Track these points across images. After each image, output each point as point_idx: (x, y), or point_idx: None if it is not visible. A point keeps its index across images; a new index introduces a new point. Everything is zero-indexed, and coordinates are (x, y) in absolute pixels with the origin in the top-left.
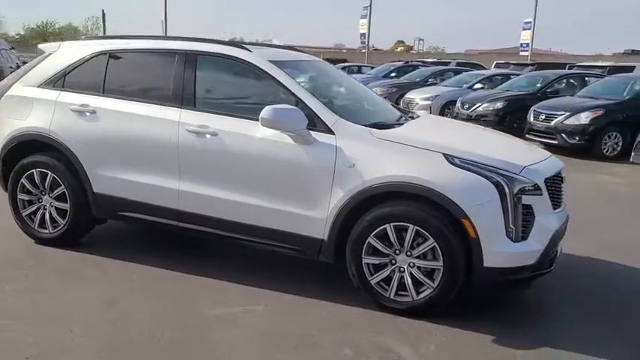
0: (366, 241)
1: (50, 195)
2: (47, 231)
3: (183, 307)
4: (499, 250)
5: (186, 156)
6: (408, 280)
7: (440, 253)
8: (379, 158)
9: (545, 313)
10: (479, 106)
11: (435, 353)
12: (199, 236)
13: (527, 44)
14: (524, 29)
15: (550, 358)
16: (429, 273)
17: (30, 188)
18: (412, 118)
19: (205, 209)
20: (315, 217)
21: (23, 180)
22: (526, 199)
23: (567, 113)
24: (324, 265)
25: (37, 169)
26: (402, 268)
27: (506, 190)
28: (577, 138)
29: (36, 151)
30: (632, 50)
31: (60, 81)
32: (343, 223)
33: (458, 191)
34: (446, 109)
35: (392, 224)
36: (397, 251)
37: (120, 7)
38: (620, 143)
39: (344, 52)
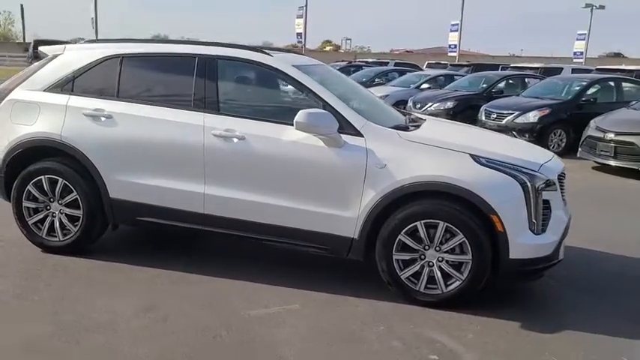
0: (397, 238)
1: (60, 202)
2: (57, 239)
3: (220, 309)
4: (523, 243)
5: (213, 160)
6: (438, 274)
7: (469, 247)
8: (409, 159)
9: (556, 299)
10: (430, 106)
11: (474, 340)
12: (224, 238)
13: (455, 45)
14: (451, 31)
15: None
16: (457, 266)
17: (37, 195)
18: (420, 120)
19: (233, 212)
20: (346, 217)
21: (30, 187)
22: (545, 195)
23: (517, 112)
24: (343, 263)
25: (46, 176)
26: (430, 263)
27: (529, 186)
28: (527, 135)
29: (43, 157)
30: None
31: (68, 85)
32: (374, 221)
33: (486, 189)
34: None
35: (422, 221)
36: (426, 247)
37: (39, 2)
38: (565, 140)
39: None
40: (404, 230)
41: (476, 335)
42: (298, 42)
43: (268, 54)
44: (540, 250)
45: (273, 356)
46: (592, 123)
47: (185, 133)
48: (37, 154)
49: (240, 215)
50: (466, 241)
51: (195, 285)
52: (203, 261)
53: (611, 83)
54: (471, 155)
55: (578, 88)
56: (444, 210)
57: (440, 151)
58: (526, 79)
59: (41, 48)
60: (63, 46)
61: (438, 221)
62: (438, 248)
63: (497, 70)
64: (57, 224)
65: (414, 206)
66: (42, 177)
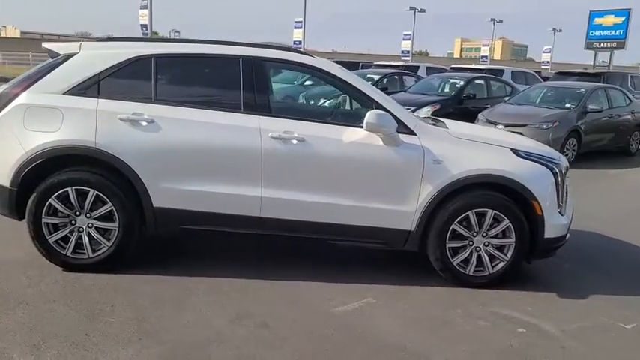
0: (450, 228)
1: (89, 215)
2: (85, 255)
3: (306, 310)
4: (554, 224)
5: (271, 162)
6: (485, 257)
7: (512, 231)
8: (460, 155)
9: (558, 270)
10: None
11: (536, 312)
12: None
13: (300, 42)
14: (295, 28)
15: None
16: (501, 248)
17: (62, 209)
18: (436, 119)
19: (291, 214)
20: (404, 211)
21: (52, 201)
22: (566, 181)
23: (413, 107)
24: (379, 255)
25: (74, 187)
26: (478, 248)
27: (558, 173)
28: None
29: (64, 167)
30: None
31: (93, 87)
32: (431, 214)
33: (528, 178)
34: None
35: (474, 211)
36: (475, 233)
37: None
38: None
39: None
40: (457, 220)
41: (533, 307)
42: (143, 34)
43: (312, 56)
44: (563, 229)
45: (393, 347)
46: (480, 116)
47: (240, 136)
48: (59, 165)
49: (299, 217)
50: (511, 226)
51: (265, 289)
52: (249, 265)
53: (482, 81)
54: (511, 149)
55: (459, 85)
56: (492, 199)
57: (485, 147)
58: (403, 77)
59: (46, 45)
60: (77, 44)
61: (487, 210)
62: (485, 234)
63: (358, 68)
64: (86, 240)
65: (465, 197)
66: (68, 189)
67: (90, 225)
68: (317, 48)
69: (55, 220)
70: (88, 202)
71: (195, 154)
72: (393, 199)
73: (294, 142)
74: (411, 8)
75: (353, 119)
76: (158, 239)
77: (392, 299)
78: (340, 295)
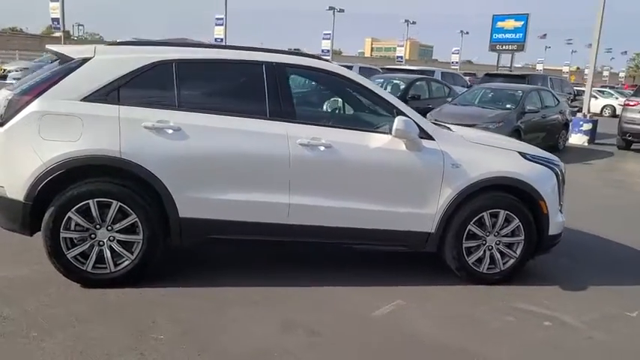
0: (467, 229)
1: (111, 228)
2: (107, 270)
3: (344, 315)
4: (556, 222)
5: (299, 169)
6: (497, 255)
7: (522, 230)
8: (476, 158)
9: (556, 265)
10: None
11: (553, 305)
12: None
13: (222, 39)
14: (217, 25)
15: None
16: (510, 246)
17: (81, 223)
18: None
19: (319, 220)
20: (426, 214)
21: (71, 214)
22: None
23: None
24: (397, 256)
25: (95, 199)
26: (490, 247)
27: (560, 175)
28: None
29: (82, 178)
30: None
31: (113, 94)
32: (450, 215)
33: (537, 180)
34: None
35: (488, 212)
36: (488, 233)
37: None
38: None
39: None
40: (473, 221)
41: (549, 301)
42: (54, 28)
43: (331, 62)
44: (562, 226)
45: (441, 347)
46: (429, 116)
47: (268, 143)
48: (77, 176)
49: (325, 222)
50: (520, 225)
51: (298, 296)
52: (273, 272)
53: (424, 83)
54: (519, 152)
55: (402, 86)
56: (504, 200)
57: (496, 150)
58: None
59: (56, 48)
60: (91, 47)
61: (499, 210)
62: (496, 233)
63: None
64: (108, 254)
65: (481, 199)
66: (89, 201)
67: (111, 238)
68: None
69: (74, 235)
70: (110, 214)
71: (222, 162)
72: (415, 203)
73: (322, 148)
74: (330, 8)
75: (373, 125)
76: (173, 250)
77: (419, 300)
78: (371, 299)
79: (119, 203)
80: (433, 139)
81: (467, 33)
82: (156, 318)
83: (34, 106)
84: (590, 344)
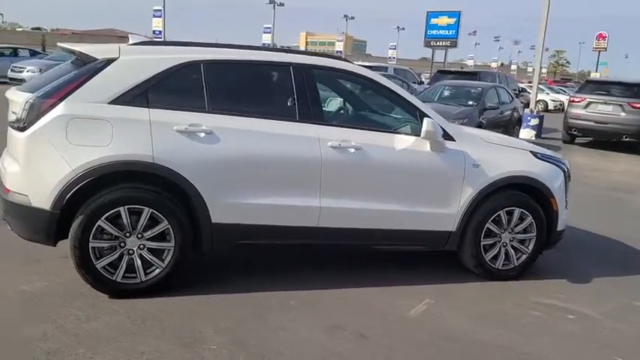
0: (485, 227)
1: (141, 235)
2: (137, 280)
3: (383, 317)
4: (563, 218)
5: (330, 171)
6: (511, 251)
7: (534, 226)
8: (494, 158)
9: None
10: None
11: (569, 298)
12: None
13: (160, 31)
14: (154, 17)
15: None
16: (523, 242)
17: (111, 231)
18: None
19: (348, 222)
20: (447, 213)
21: (101, 222)
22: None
23: None
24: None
25: (127, 206)
26: (505, 243)
27: (567, 173)
28: None
29: (111, 184)
30: None
31: (142, 96)
32: (470, 215)
33: (548, 178)
34: None
35: (504, 210)
36: (503, 230)
37: None
38: None
39: None
40: (490, 219)
41: (563, 294)
42: None
43: (354, 63)
44: (565, 222)
45: (482, 343)
46: None
47: (300, 146)
48: (106, 182)
49: (353, 224)
50: (533, 222)
51: (333, 298)
52: (301, 276)
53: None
54: (531, 152)
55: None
56: (518, 198)
57: (511, 150)
58: None
59: (75, 47)
60: (115, 47)
61: (515, 208)
62: (511, 230)
63: None
64: (138, 262)
65: (498, 198)
66: (120, 208)
67: (141, 246)
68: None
69: (103, 244)
70: (141, 221)
71: (255, 166)
72: (438, 203)
73: (352, 150)
74: (271, 1)
75: (395, 126)
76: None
77: (445, 298)
78: (402, 299)
79: (151, 210)
80: (454, 140)
81: (403, 29)
82: (200, 328)
83: (60, 109)
84: (617, 335)
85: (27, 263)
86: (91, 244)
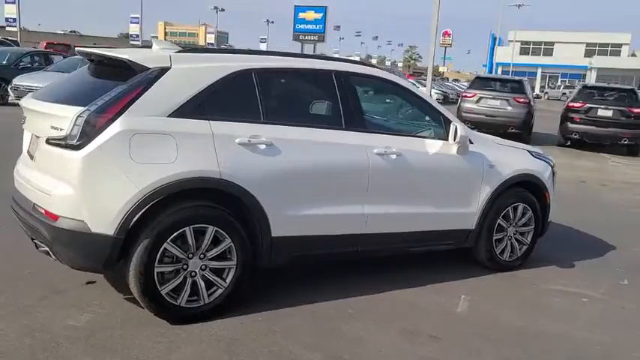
0: (497, 223)
1: (203, 255)
2: (201, 302)
3: (436, 313)
4: (552, 209)
5: (375, 178)
6: (515, 244)
7: (533, 220)
8: (504, 158)
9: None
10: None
11: (573, 283)
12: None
13: (15, 19)
14: (7, 3)
15: None
16: (523, 234)
17: (177, 253)
18: None
19: (388, 227)
20: (470, 212)
21: (167, 245)
22: None
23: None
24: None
25: (192, 226)
26: (510, 237)
27: (553, 168)
28: None
29: (175, 203)
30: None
31: (200, 108)
32: (487, 212)
33: (543, 175)
34: None
35: (512, 206)
36: (509, 225)
37: None
38: None
39: None
40: (501, 215)
41: (564, 280)
42: None
43: (385, 70)
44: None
45: (536, 334)
46: None
47: (351, 154)
48: (171, 201)
49: (395, 228)
50: (533, 216)
51: (382, 304)
52: (339, 283)
53: None
54: (528, 151)
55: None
56: (523, 194)
57: (515, 150)
58: (50, 56)
59: (125, 56)
60: (164, 54)
61: (519, 203)
62: (515, 224)
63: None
64: (202, 284)
65: (507, 195)
66: (186, 229)
67: (203, 267)
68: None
69: (168, 268)
70: (206, 241)
71: (311, 177)
72: (463, 203)
73: (394, 157)
74: None
75: (424, 131)
76: None
77: (476, 293)
78: (440, 296)
79: (215, 228)
80: (472, 143)
81: (272, 22)
82: (287, 346)
83: (120, 124)
84: (630, 314)
85: (52, 295)
86: (156, 269)
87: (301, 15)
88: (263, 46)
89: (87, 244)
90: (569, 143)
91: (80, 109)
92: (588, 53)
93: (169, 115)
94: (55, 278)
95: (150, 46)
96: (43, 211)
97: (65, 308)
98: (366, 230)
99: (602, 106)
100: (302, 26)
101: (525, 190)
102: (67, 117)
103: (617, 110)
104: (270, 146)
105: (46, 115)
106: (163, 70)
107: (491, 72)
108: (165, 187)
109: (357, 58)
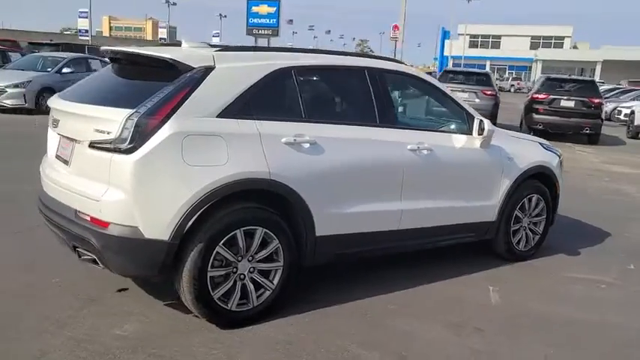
0: (514, 214)
1: (252, 258)
2: (250, 305)
3: (477, 304)
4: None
5: (409, 174)
6: (530, 234)
7: (545, 210)
8: (520, 150)
9: None
10: None
11: (584, 269)
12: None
13: None
14: None
15: None
16: (536, 224)
17: (228, 257)
18: None
19: (420, 222)
20: (492, 205)
21: (219, 248)
22: None
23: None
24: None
25: (242, 228)
26: (524, 227)
27: (560, 159)
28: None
29: (226, 205)
30: None
31: (245, 107)
32: (507, 204)
33: (554, 166)
34: (41, 96)
35: (527, 197)
36: (524, 216)
37: None
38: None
39: None
40: (518, 207)
41: (575, 267)
42: None
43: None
44: None
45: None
46: None
47: (388, 150)
48: (223, 203)
49: (427, 223)
50: (545, 206)
51: (412, 297)
52: (370, 280)
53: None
54: (539, 143)
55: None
56: (535, 186)
57: (529, 142)
58: (8, 54)
59: (169, 55)
60: (207, 54)
61: (534, 195)
62: (529, 215)
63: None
64: (251, 287)
65: (524, 187)
66: (237, 231)
67: (251, 269)
68: None
69: (220, 272)
70: (255, 243)
71: (353, 174)
72: (486, 195)
73: (425, 152)
74: None
75: (448, 126)
76: None
77: (501, 283)
78: (469, 288)
79: (264, 229)
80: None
81: (225, 16)
82: (345, 345)
83: (172, 126)
84: None
85: (88, 305)
86: (209, 274)
87: (254, 9)
88: (216, 41)
89: (140, 251)
90: (532, 134)
91: (128, 111)
92: (533, 46)
93: (217, 116)
94: (85, 286)
95: (179, 45)
96: (88, 218)
97: (106, 317)
98: (402, 226)
99: (565, 97)
100: (255, 20)
101: (538, 181)
102: (115, 120)
103: (579, 101)
104: (314, 145)
105: (86, 117)
106: (208, 70)
107: (442, 65)
108: (218, 189)
109: None
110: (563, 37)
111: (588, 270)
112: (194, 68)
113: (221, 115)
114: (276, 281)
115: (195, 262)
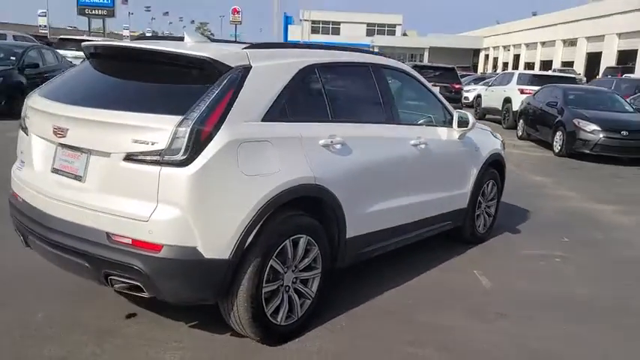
0: (478, 200)
1: (296, 268)
2: (296, 317)
3: (473, 290)
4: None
5: (413, 169)
6: (486, 217)
7: (497, 193)
8: (482, 140)
9: None
10: None
11: (535, 246)
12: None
13: None
14: None
15: None
16: (489, 207)
17: (279, 269)
18: None
19: (419, 214)
20: (465, 192)
21: (272, 262)
22: None
23: None
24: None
25: (290, 238)
26: (483, 211)
27: (503, 143)
28: None
29: (276, 214)
30: None
31: (283, 109)
32: (475, 191)
33: (502, 151)
34: None
35: (486, 183)
36: (484, 200)
37: None
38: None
39: None
40: (480, 192)
41: (528, 243)
42: None
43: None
44: None
45: (568, 297)
46: None
47: (397, 147)
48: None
49: (424, 215)
50: (497, 190)
51: (417, 288)
52: (369, 276)
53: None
54: (490, 132)
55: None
56: (491, 172)
57: (485, 132)
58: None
59: (202, 53)
60: (240, 53)
61: (490, 181)
62: (486, 199)
63: None
64: (296, 299)
65: (484, 174)
66: (287, 241)
67: (294, 280)
68: None
69: (272, 287)
70: (300, 251)
71: (378, 173)
72: (462, 184)
73: (423, 146)
74: None
75: (431, 120)
76: None
77: (482, 267)
78: (459, 275)
79: (308, 237)
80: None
81: None
82: (392, 348)
83: (226, 134)
84: (595, 269)
85: (105, 337)
86: (263, 290)
87: None
88: (42, 20)
89: (199, 273)
90: None
91: (177, 118)
92: (369, 32)
93: (262, 120)
94: (86, 318)
95: (182, 39)
96: (129, 241)
97: (138, 348)
98: (408, 219)
99: (430, 84)
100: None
101: (492, 167)
102: (162, 128)
103: (443, 87)
104: (344, 145)
105: (115, 125)
106: (246, 70)
107: None
108: (275, 199)
109: (149, 35)
110: (394, 25)
111: (539, 246)
112: (232, 68)
113: (265, 119)
114: (314, 289)
115: (252, 280)
